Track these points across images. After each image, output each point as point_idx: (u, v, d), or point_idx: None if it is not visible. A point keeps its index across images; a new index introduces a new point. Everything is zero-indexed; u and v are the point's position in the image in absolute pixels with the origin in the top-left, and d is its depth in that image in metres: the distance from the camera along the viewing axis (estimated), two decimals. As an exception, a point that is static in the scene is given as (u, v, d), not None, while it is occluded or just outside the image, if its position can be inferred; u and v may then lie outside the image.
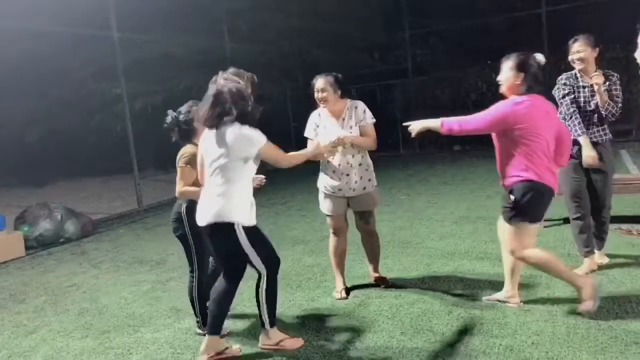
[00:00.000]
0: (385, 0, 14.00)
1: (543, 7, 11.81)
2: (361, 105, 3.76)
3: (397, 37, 13.90)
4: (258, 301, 3.05)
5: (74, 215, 7.19)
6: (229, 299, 3.03)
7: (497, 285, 3.59)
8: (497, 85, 3.24)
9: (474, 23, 12.63)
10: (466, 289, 3.78)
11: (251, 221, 2.94)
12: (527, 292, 3.56)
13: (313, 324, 3.47)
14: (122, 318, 3.92)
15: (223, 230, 2.87)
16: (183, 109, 3.42)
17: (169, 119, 3.38)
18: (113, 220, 8.16)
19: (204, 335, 3.16)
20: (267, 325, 3.08)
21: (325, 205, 3.89)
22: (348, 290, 3.95)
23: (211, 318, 3.04)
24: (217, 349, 3.03)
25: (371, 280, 4.07)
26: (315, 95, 3.70)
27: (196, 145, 3.18)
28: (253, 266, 2.98)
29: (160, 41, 11.01)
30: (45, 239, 6.74)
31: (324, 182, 3.83)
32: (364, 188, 3.76)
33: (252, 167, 2.97)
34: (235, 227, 2.85)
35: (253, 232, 2.93)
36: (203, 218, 2.93)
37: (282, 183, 9.40)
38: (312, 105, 3.85)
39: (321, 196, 3.90)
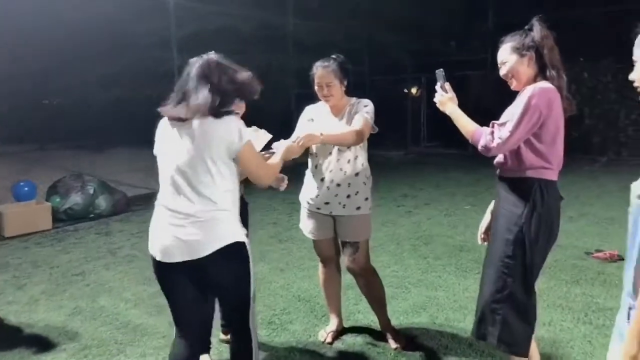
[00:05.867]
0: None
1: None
2: (365, 101, 2.83)
3: (479, 25, 12.65)
4: None
5: (108, 190, 6.78)
6: None
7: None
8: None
9: (565, 15, 11.12)
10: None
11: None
12: None
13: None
14: (112, 330, 3.32)
15: (232, 254, 1.99)
16: None
17: None
18: (152, 197, 7.72)
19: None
20: None
21: (307, 226, 2.98)
22: (339, 333, 3.14)
23: None
24: None
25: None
26: (317, 89, 2.80)
27: None
28: (244, 312, 2.08)
29: (221, 12, 10.44)
30: (74, 212, 6.37)
31: (307, 194, 2.93)
32: (358, 208, 2.82)
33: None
34: (244, 245, 2.03)
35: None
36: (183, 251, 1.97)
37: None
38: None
39: (303, 213, 3.01)
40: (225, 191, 1.98)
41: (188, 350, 2.10)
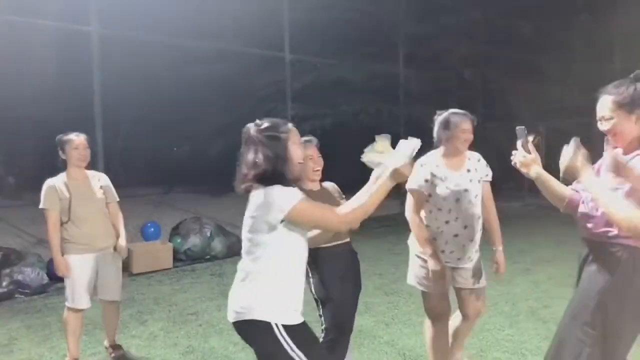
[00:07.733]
0: (592, 27, 12.04)
1: None
2: (478, 155, 2.91)
3: (604, 68, 11.81)
4: None
5: (223, 233, 7.16)
6: None
7: None
8: None
9: None
10: None
11: (295, 318, 1.98)
12: None
13: None
14: (220, 372, 3.42)
15: (256, 331, 1.96)
16: None
17: None
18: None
19: None
20: None
21: (420, 277, 2.81)
22: None
23: None
24: None
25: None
26: (461, 135, 2.78)
27: None
28: None
29: (335, 65, 10.89)
30: (193, 253, 6.79)
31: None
32: (470, 258, 2.82)
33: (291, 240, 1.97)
34: (273, 327, 1.92)
35: (300, 333, 1.97)
36: (229, 311, 2.05)
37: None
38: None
39: (414, 263, 2.84)
40: (273, 264, 1.94)
41: None
